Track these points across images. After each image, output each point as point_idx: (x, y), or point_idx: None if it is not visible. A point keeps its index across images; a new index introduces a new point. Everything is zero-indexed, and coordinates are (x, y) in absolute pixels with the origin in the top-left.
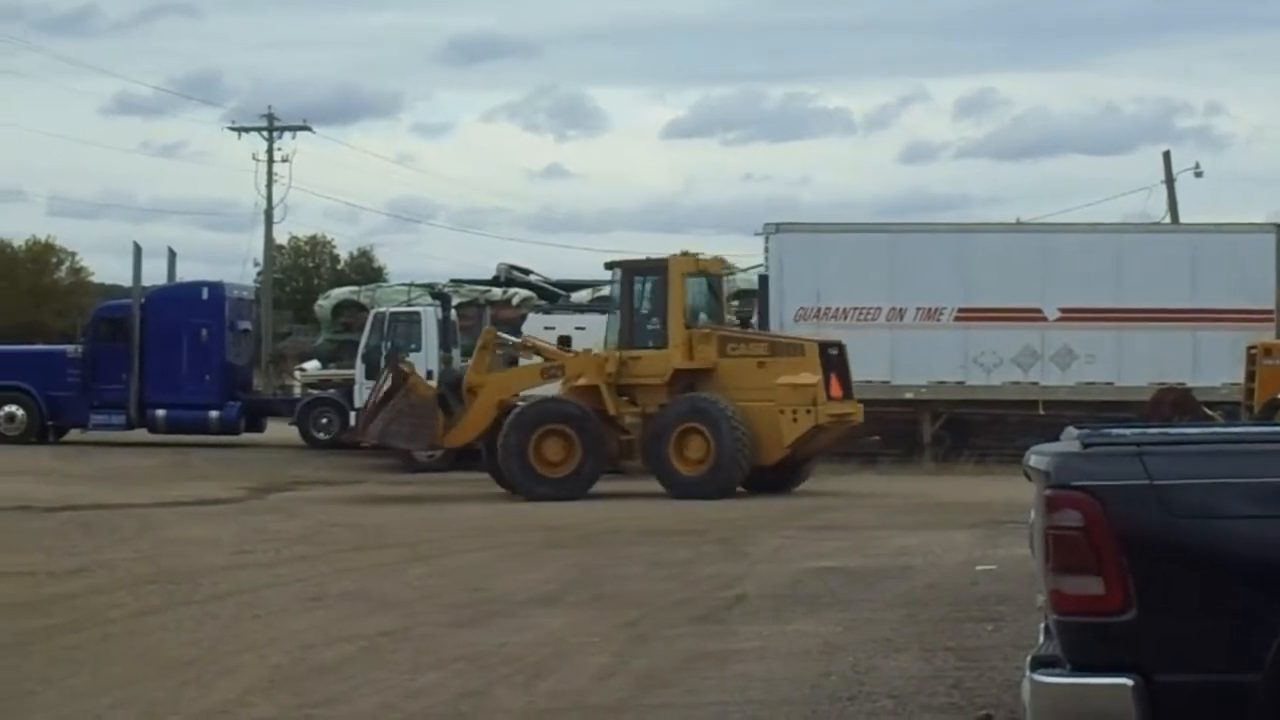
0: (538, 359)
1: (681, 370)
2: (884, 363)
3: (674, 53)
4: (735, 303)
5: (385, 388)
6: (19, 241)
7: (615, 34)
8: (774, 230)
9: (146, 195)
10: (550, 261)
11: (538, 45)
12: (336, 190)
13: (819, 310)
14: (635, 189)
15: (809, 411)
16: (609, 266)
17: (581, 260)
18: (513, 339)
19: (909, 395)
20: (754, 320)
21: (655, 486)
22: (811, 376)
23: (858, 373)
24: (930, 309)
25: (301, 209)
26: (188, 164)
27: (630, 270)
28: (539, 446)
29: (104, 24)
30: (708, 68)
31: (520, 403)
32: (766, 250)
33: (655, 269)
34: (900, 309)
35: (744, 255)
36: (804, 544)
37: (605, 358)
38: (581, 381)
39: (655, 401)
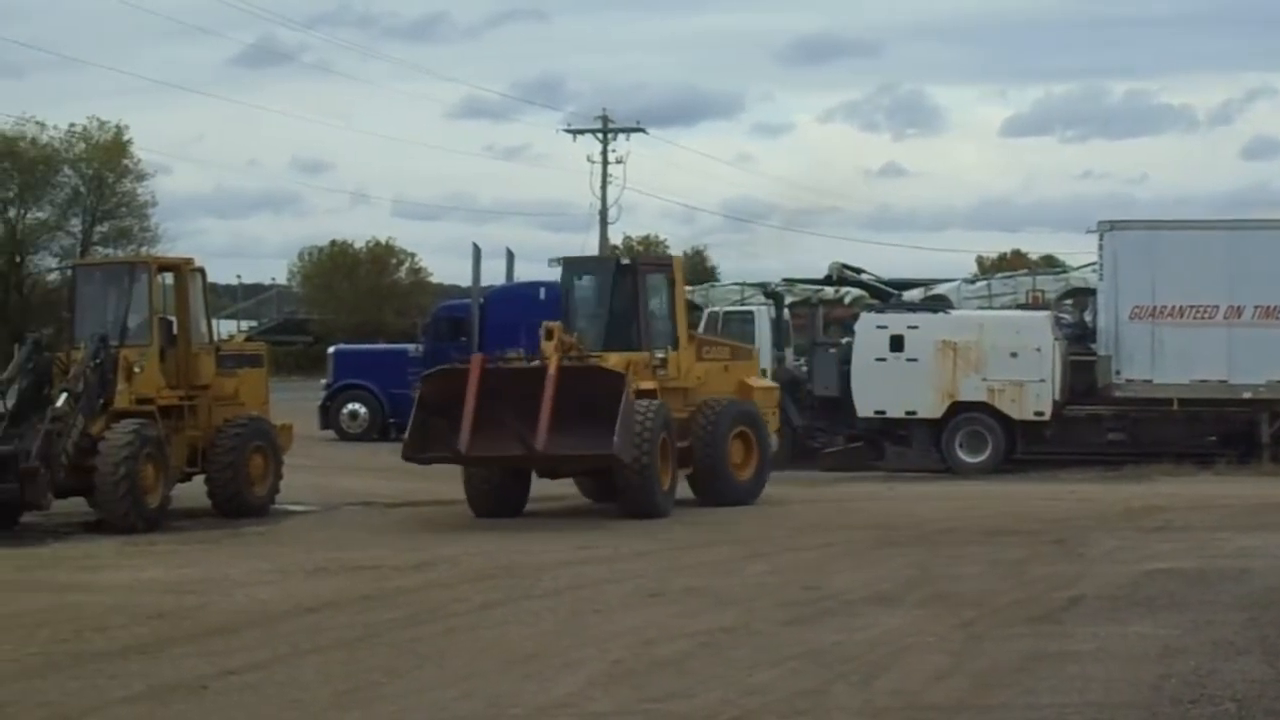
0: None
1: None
2: (1221, 362)
3: (1014, 49)
4: (1068, 301)
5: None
6: (360, 243)
7: (955, 31)
8: (1109, 228)
9: (488, 197)
10: (883, 260)
11: (878, 44)
12: (671, 191)
13: (1154, 309)
14: (972, 187)
15: (773, 414)
16: (629, 262)
17: (915, 259)
18: None
19: (1247, 395)
20: (1086, 317)
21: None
22: (768, 380)
23: (1193, 372)
24: (1270, 307)
25: (637, 210)
26: (529, 166)
27: (639, 269)
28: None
29: (453, 30)
30: (1048, 64)
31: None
32: (1100, 248)
33: (661, 266)
34: (1238, 307)
35: (1077, 254)
36: (1140, 545)
37: (662, 360)
38: (638, 385)
39: (672, 406)
